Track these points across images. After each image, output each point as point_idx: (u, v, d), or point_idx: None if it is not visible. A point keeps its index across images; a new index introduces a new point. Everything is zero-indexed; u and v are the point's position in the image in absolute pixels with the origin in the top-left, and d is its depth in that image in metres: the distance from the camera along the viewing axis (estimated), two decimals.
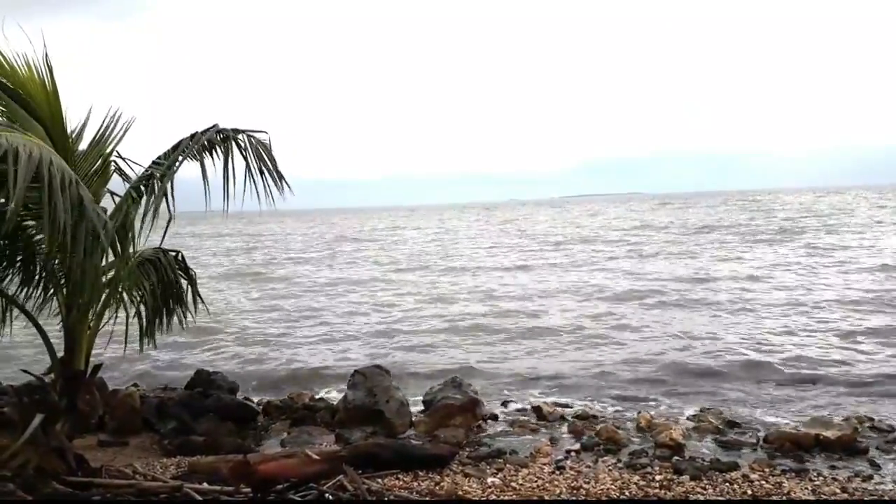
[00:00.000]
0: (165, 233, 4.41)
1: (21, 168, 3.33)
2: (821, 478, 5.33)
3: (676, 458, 5.88)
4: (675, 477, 5.39)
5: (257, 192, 4.38)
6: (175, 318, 5.31)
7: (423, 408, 7.32)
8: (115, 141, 4.83)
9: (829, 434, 6.09)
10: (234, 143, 4.47)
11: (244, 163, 4.43)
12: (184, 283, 5.33)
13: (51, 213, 3.41)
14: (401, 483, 5.14)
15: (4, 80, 4.21)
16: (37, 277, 4.81)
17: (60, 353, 4.53)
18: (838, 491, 5.03)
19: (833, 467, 5.60)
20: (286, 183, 4.48)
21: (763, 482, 5.23)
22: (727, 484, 5.20)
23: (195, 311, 5.46)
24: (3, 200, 4.39)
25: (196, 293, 5.38)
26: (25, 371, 4.90)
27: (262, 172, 4.40)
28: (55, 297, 4.67)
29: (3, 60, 4.17)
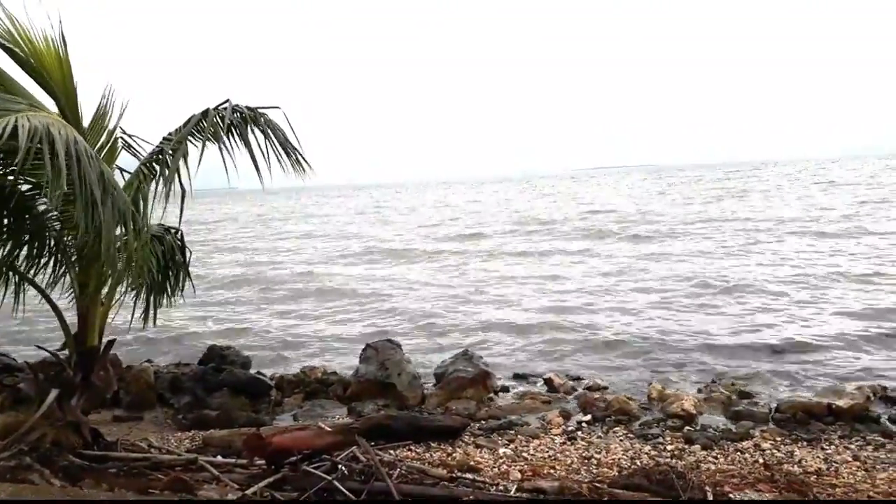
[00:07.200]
0: (182, 209, 4.39)
1: (59, 150, 3.35)
2: (832, 446, 5.34)
3: (688, 427, 5.90)
4: (686, 446, 5.41)
5: (268, 169, 4.36)
6: (170, 295, 5.32)
7: (434, 381, 7.36)
8: (118, 116, 4.78)
9: (842, 403, 6.06)
10: (252, 123, 4.42)
11: (259, 141, 4.40)
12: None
13: (85, 190, 3.44)
14: (413, 454, 5.19)
15: (25, 55, 4.14)
16: (47, 255, 4.82)
17: (74, 330, 4.56)
18: (850, 459, 5.03)
19: (845, 436, 5.59)
20: (304, 160, 4.44)
21: (775, 451, 5.24)
22: (739, 453, 5.21)
23: (183, 289, 5.43)
24: (11, 178, 4.39)
25: (187, 271, 5.38)
26: (40, 347, 4.95)
27: (281, 150, 4.37)
28: (67, 274, 4.68)
29: (24, 34, 4.09)
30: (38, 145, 3.40)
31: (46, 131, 3.45)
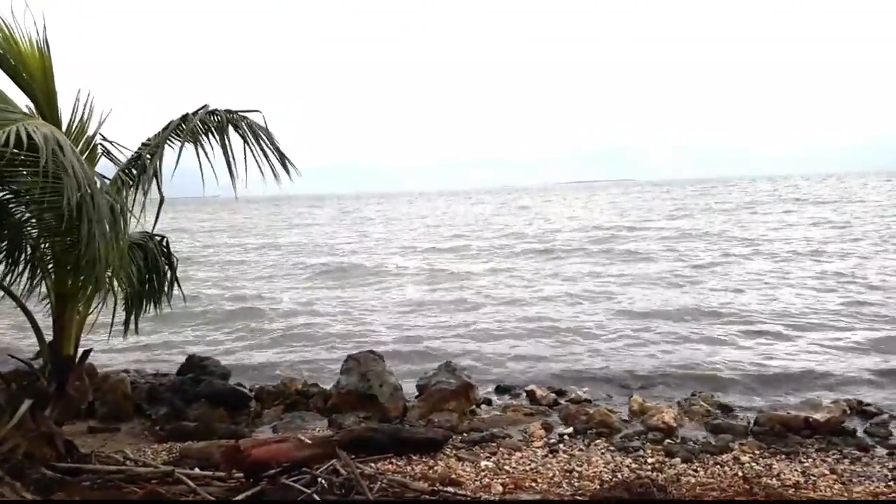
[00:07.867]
0: (157, 216, 4.33)
1: (68, 157, 3.31)
2: (810, 459, 5.40)
3: (668, 440, 5.93)
4: (666, 459, 5.43)
5: (260, 174, 4.31)
6: (154, 304, 5.20)
7: (416, 392, 7.31)
8: (97, 122, 4.71)
9: (819, 417, 6.15)
10: (231, 126, 4.38)
11: (242, 146, 4.35)
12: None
13: (90, 200, 3.42)
14: (394, 467, 5.14)
15: (9, 58, 4.06)
16: (23, 263, 4.72)
17: (49, 338, 4.47)
18: (827, 472, 5.09)
19: (822, 449, 5.66)
20: (291, 164, 4.39)
21: (754, 464, 5.29)
22: (718, 466, 5.25)
23: (170, 298, 5.32)
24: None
25: (175, 279, 5.27)
26: (13, 356, 4.84)
27: (264, 154, 4.33)
28: (43, 283, 4.59)
29: (8, 35, 4.01)
30: (44, 154, 3.35)
31: (55, 138, 3.41)
